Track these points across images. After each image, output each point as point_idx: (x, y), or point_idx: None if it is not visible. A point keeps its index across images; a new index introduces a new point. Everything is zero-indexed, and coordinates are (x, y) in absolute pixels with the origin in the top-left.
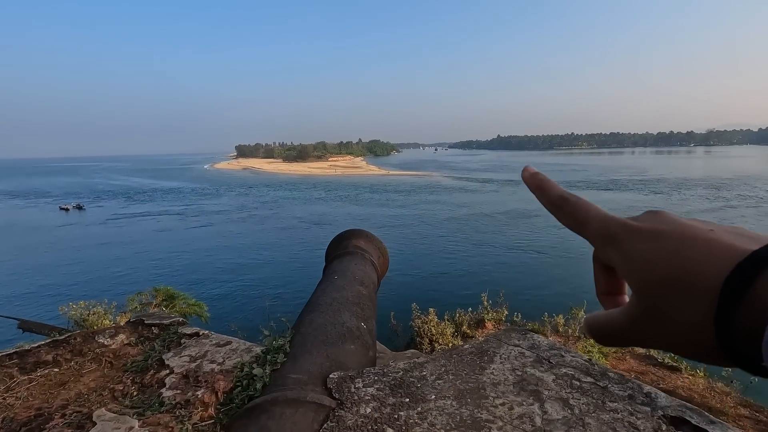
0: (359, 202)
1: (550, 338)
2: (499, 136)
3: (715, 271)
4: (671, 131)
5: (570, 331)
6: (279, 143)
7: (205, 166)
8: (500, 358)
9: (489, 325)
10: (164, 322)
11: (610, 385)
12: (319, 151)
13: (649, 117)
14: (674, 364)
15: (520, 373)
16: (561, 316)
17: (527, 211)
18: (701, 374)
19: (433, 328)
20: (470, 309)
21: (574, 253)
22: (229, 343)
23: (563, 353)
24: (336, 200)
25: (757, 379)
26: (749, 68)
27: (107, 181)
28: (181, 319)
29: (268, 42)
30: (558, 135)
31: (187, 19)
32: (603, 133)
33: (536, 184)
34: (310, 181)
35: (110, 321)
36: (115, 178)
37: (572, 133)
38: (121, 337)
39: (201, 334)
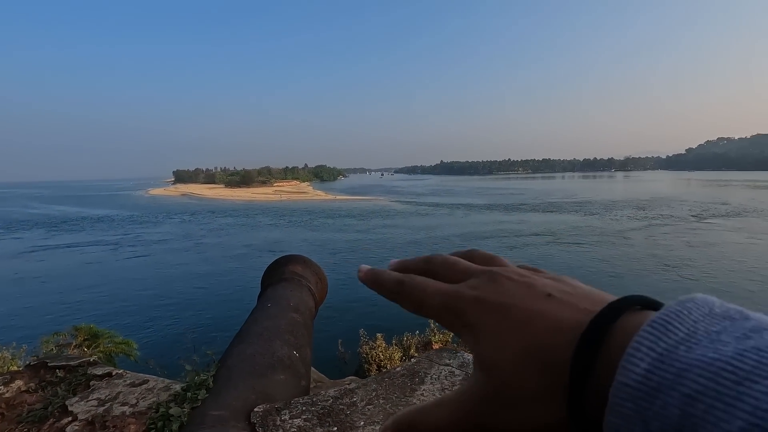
0: (314, 228)
1: None
2: (442, 161)
3: (563, 346)
4: (595, 158)
5: None
6: (221, 168)
7: (139, 192)
8: (431, 379)
9: (436, 346)
10: (71, 363)
11: None
12: (264, 176)
13: (576, 144)
14: None
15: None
16: None
17: (481, 232)
18: None
19: (381, 354)
20: (417, 332)
21: None
22: (145, 382)
23: None
24: (289, 226)
25: None
26: (660, 102)
27: (24, 210)
28: (92, 359)
29: (207, 62)
30: (497, 161)
31: (115, 24)
32: (536, 159)
33: (372, 278)
34: (256, 207)
35: (18, 368)
36: (34, 206)
37: (509, 159)
38: (18, 383)
39: (114, 374)
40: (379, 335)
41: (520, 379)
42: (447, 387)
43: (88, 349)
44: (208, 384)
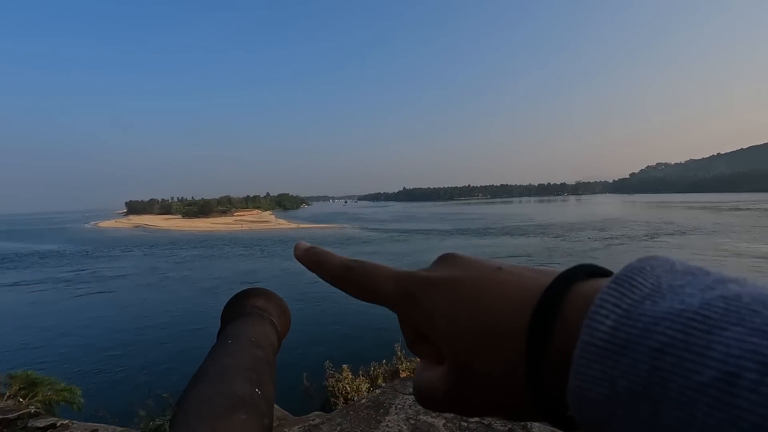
0: (288, 257)
1: None
2: (404, 188)
3: (518, 317)
4: (549, 182)
5: None
6: (178, 198)
7: (88, 225)
8: (395, 409)
9: (403, 375)
10: (9, 416)
11: (493, 422)
12: (224, 205)
13: (531, 170)
14: None
15: (413, 422)
16: None
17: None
18: None
19: (347, 386)
20: (384, 361)
21: None
22: (95, 431)
23: None
24: (262, 256)
25: None
26: (605, 129)
27: None
28: (33, 410)
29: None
30: (457, 187)
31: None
32: (494, 184)
33: (312, 259)
34: (218, 238)
35: None
36: None
37: (469, 185)
38: None
39: (59, 425)
40: (345, 366)
41: (479, 360)
42: (411, 416)
43: (24, 399)
44: (164, 430)
